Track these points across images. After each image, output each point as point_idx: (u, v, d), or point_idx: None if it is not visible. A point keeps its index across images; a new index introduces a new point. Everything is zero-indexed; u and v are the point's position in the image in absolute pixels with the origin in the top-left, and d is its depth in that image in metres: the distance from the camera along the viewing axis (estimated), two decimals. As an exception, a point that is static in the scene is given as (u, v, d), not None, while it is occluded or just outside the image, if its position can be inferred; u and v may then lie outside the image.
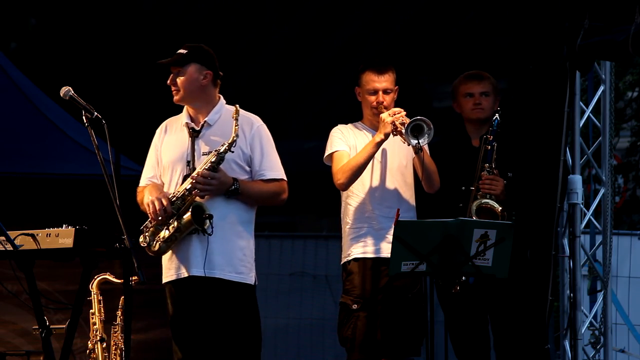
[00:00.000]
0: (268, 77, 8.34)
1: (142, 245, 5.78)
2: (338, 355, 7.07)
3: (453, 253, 5.85)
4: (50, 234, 5.48)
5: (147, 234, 5.78)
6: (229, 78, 5.98)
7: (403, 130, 6.13)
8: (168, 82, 5.87)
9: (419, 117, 6.13)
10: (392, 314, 6.28)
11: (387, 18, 7.96)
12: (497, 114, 6.41)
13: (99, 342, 6.28)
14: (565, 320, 7.48)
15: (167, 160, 5.91)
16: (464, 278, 6.11)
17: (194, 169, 5.77)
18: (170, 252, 5.82)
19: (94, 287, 6.31)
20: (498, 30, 7.77)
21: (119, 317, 6.35)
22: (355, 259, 6.34)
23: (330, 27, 8.05)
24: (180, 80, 5.83)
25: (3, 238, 5.42)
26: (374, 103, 6.34)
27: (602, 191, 7.71)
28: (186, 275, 5.77)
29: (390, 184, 6.37)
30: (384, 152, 6.37)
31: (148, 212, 5.75)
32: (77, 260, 5.62)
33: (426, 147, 6.28)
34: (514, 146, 6.59)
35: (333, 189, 6.41)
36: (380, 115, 6.24)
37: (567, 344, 7.42)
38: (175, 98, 5.88)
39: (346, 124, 6.50)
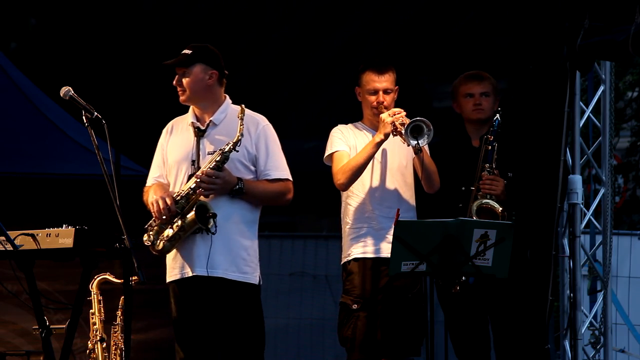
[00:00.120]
0: (268, 77, 8.33)
1: (146, 244, 5.79)
2: (338, 355, 7.08)
3: (453, 253, 5.85)
4: (50, 234, 5.48)
5: (151, 232, 5.79)
6: (229, 78, 5.98)
7: (403, 131, 6.14)
8: (174, 82, 5.87)
9: (418, 118, 6.13)
10: (392, 314, 6.28)
11: (387, 18, 7.96)
12: (497, 114, 6.41)
13: (99, 342, 6.28)
14: (565, 320, 7.48)
15: (172, 159, 5.92)
16: (464, 278, 6.11)
17: (199, 168, 5.78)
18: (174, 251, 5.82)
19: (94, 287, 6.31)
20: (498, 30, 7.77)
21: (119, 317, 6.35)
22: (355, 259, 6.34)
23: (330, 27, 8.05)
24: (185, 80, 5.83)
25: (3, 238, 5.42)
26: (374, 103, 6.34)
27: (602, 191, 7.71)
28: (189, 274, 5.77)
29: (390, 184, 6.37)
30: (384, 152, 6.37)
31: (152, 211, 5.75)
32: (77, 260, 5.62)
33: (426, 147, 6.28)
34: (514, 146, 6.59)
35: (333, 189, 6.41)
36: (380, 115, 6.25)
37: (567, 344, 7.42)
38: (182, 98, 5.88)
39: (346, 124, 6.50)
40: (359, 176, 6.29)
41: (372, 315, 6.27)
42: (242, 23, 7.94)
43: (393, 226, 5.86)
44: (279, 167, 5.89)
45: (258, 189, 5.83)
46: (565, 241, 7.48)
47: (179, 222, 5.73)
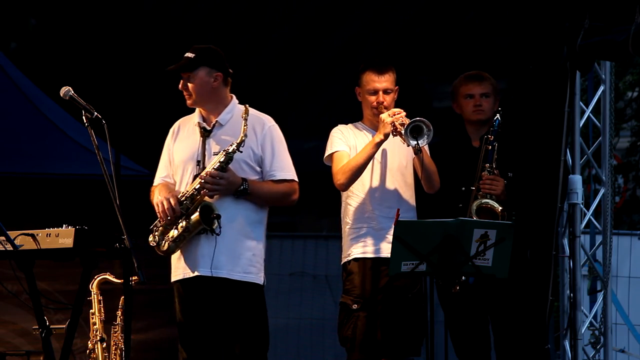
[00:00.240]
0: (268, 77, 8.33)
1: (151, 244, 5.80)
2: (338, 355, 7.07)
3: (453, 253, 5.85)
4: (50, 234, 5.48)
5: (156, 233, 5.80)
6: (229, 78, 5.98)
7: (402, 131, 6.13)
8: (180, 87, 5.86)
9: (418, 118, 6.13)
10: (392, 314, 6.28)
11: (387, 18, 7.96)
12: (498, 114, 6.41)
13: (99, 342, 6.28)
14: (565, 320, 7.48)
15: (178, 159, 5.92)
16: (463, 278, 6.11)
17: (204, 168, 5.78)
18: (179, 251, 5.82)
19: (94, 287, 6.31)
20: (498, 30, 7.77)
21: (119, 317, 6.35)
22: (355, 259, 6.33)
23: (330, 27, 8.05)
24: (191, 85, 5.83)
25: (3, 238, 5.41)
26: (374, 103, 6.34)
27: (602, 191, 7.71)
28: (193, 274, 5.77)
29: (390, 184, 6.37)
30: (384, 153, 6.37)
31: (157, 212, 5.75)
32: (77, 260, 5.62)
33: (426, 148, 6.28)
34: (515, 146, 6.59)
35: (333, 189, 6.41)
36: (380, 115, 6.24)
37: (567, 344, 7.42)
38: (188, 102, 5.88)
39: (346, 124, 6.50)
40: (358, 176, 6.29)
41: (372, 315, 6.27)
42: (242, 23, 7.94)
43: (393, 226, 5.86)
44: (284, 168, 5.89)
45: (263, 190, 5.83)
46: (565, 241, 7.48)
47: (184, 223, 5.73)
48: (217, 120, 5.87)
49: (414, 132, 6.13)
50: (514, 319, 6.48)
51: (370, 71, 6.35)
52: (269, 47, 8.21)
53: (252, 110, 5.80)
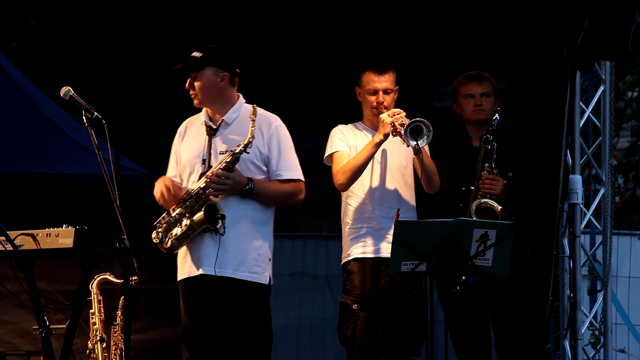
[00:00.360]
0: (268, 77, 8.33)
1: (154, 241, 5.80)
2: (338, 355, 7.07)
3: (453, 253, 5.85)
4: (50, 234, 5.49)
5: (159, 230, 5.81)
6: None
7: (402, 131, 6.13)
8: (186, 86, 5.86)
9: (418, 119, 6.13)
10: (392, 314, 6.28)
11: (387, 18, 7.96)
12: (497, 114, 6.41)
13: (99, 342, 6.28)
14: (565, 320, 7.48)
15: (185, 158, 5.93)
16: (464, 278, 6.11)
17: (210, 167, 5.79)
18: (185, 250, 5.83)
19: (94, 287, 6.31)
20: (498, 30, 7.77)
21: (119, 317, 6.35)
22: (355, 259, 6.33)
23: (330, 27, 8.06)
24: (197, 85, 5.83)
25: (3, 238, 5.42)
26: (374, 103, 6.34)
27: (602, 191, 7.70)
28: (197, 273, 5.77)
29: (390, 184, 6.37)
30: (384, 153, 6.37)
31: (161, 203, 5.78)
32: (77, 260, 5.62)
33: (426, 148, 6.28)
34: (514, 146, 6.59)
35: (333, 189, 6.41)
36: (380, 115, 6.24)
37: (567, 344, 7.42)
38: (195, 102, 5.89)
39: (346, 124, 6.50)
40: (358, 176, 6.29)
41: (372, 315, 6.27)
42: (242, 23, 7.94)
43: (393, 226, 5.86)
44: (290, 168, 5.89)
45: (269, 190, 5.83)
46: (565, 241, 7.47)
47: (188, 222, 5.73)
48: (223, 119, 5.87)
49: (413, 132, 6.13)
50: (514, 319, 6.48)
51: (370, 71, 6.35)
52: (269, 47, 8.21)
53: (259, 110, 5.80)
